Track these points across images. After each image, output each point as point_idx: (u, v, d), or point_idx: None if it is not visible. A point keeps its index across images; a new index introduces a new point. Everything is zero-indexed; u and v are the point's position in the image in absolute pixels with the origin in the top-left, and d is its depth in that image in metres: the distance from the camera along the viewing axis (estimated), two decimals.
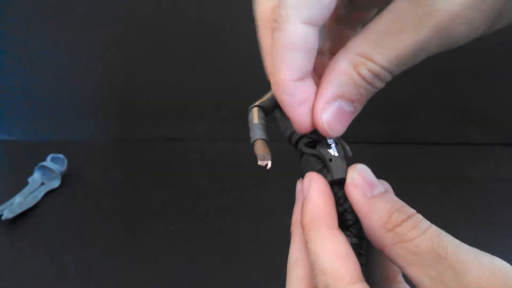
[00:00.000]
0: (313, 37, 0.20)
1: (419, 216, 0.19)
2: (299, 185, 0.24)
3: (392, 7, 0.19)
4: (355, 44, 0.20)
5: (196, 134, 0.76)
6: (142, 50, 0.74)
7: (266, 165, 0.22)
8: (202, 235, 0.52)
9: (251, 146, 0.23)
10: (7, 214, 0.54)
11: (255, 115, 0.24)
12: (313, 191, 0.21)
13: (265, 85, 0.26)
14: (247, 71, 0.70)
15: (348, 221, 0.21)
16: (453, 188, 0.59)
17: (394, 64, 0.19)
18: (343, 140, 0.23)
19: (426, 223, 0.18)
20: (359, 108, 0.21)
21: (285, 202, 0.52)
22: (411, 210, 0.19)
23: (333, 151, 0.23)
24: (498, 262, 0.17)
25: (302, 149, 0.24)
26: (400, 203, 0.20)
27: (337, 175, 0.22)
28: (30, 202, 0.58)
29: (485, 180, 0.61)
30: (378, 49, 0.19)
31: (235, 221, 0.54)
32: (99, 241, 0.52)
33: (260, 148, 0.22)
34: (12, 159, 0.75)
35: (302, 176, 0.23)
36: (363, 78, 0.20)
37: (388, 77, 0.20)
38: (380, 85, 0.21)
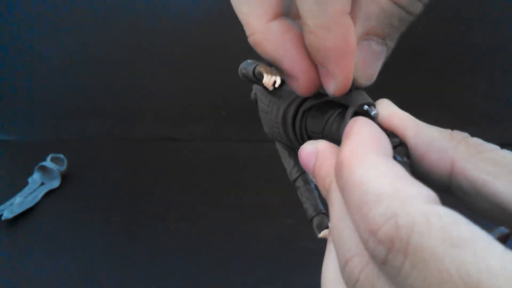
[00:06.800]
0: None
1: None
2: (308, 148, 0.19)
3: None
4: None
5: (196, 134, 0.76)
6: (142, 51, 0.74)
7: (275, 82, 0.20)
8: (202, 235, 0.52)
9: (253, 74, 0.21)
10: (7, 214, 0.54)
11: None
12: (356, 124, 0.16)
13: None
14: None
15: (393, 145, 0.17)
16: None
17: None
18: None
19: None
20: (391, 45, 0.18)
21: (285, 202, 0.52)
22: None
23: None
24: None
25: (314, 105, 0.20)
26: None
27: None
28: (30, 202, 0.58)
29: None
30: None
31: (235, 221, 0.54)
32: (99, 241, 0.52)
33: (264, 68, 0.20)
34: (12, 159, 0.75)
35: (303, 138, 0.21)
36: (396, 2, 0.16)
37: None
38: (416, 8, 0.17)
